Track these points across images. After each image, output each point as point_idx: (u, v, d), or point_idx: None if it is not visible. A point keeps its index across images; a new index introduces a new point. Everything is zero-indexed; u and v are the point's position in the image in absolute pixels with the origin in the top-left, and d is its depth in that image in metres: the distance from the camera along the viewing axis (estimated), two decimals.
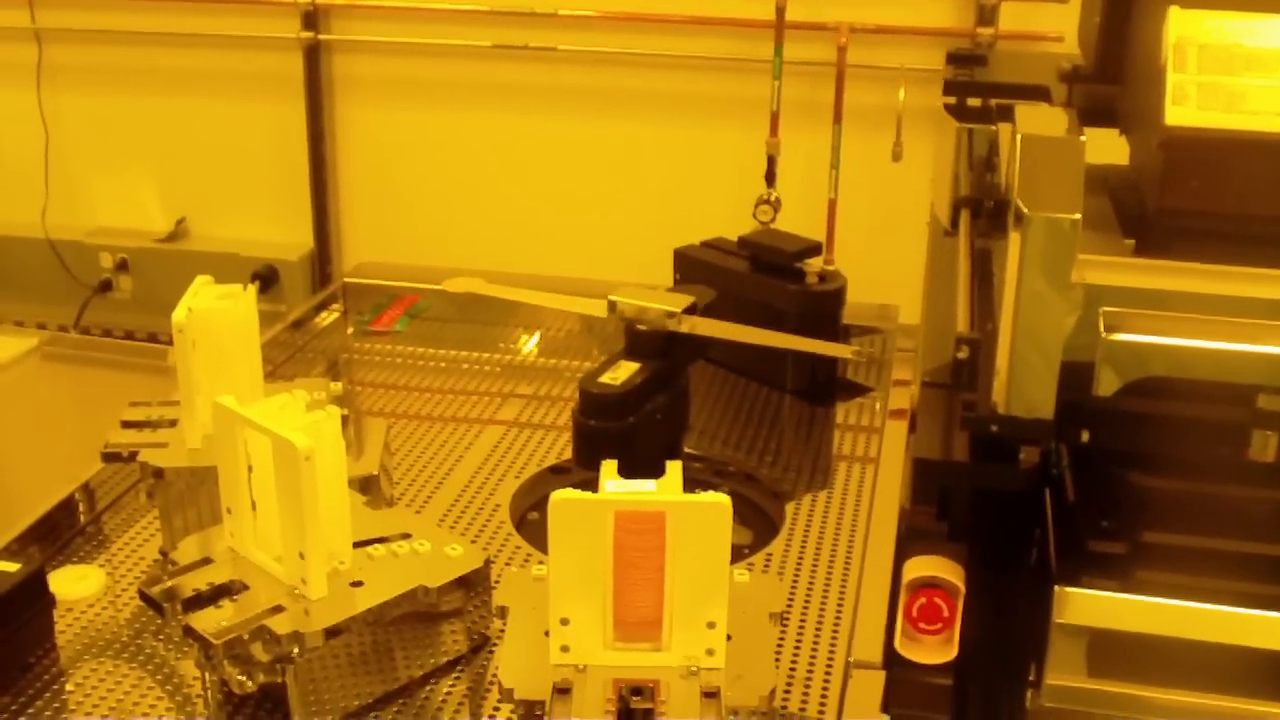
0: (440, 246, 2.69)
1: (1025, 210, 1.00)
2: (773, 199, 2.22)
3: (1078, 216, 1.00)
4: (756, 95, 2.34)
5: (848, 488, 1.56)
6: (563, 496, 1.05)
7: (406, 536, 1.27)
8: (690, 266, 1.91)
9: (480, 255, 2.62)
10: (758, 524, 1.54)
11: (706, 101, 2.50)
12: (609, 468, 1.10)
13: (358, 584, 1.20)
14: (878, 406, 1.76)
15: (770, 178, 2.26)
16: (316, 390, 1.48)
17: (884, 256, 2.17)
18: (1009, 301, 1.02)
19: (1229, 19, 1.08)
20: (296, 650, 1.14)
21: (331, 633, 1.15)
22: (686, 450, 1.56)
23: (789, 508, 1.52)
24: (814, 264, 1.86)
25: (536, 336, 2.08)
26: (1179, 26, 1.08)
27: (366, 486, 1.41)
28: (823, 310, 1.77)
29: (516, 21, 2.56)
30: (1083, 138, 1.04)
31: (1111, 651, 1.09)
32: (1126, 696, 1.09)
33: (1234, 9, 1.09)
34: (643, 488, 1.07)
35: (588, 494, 1.05)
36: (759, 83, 2.34)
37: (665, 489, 1.07)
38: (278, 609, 1.17)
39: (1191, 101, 1.06)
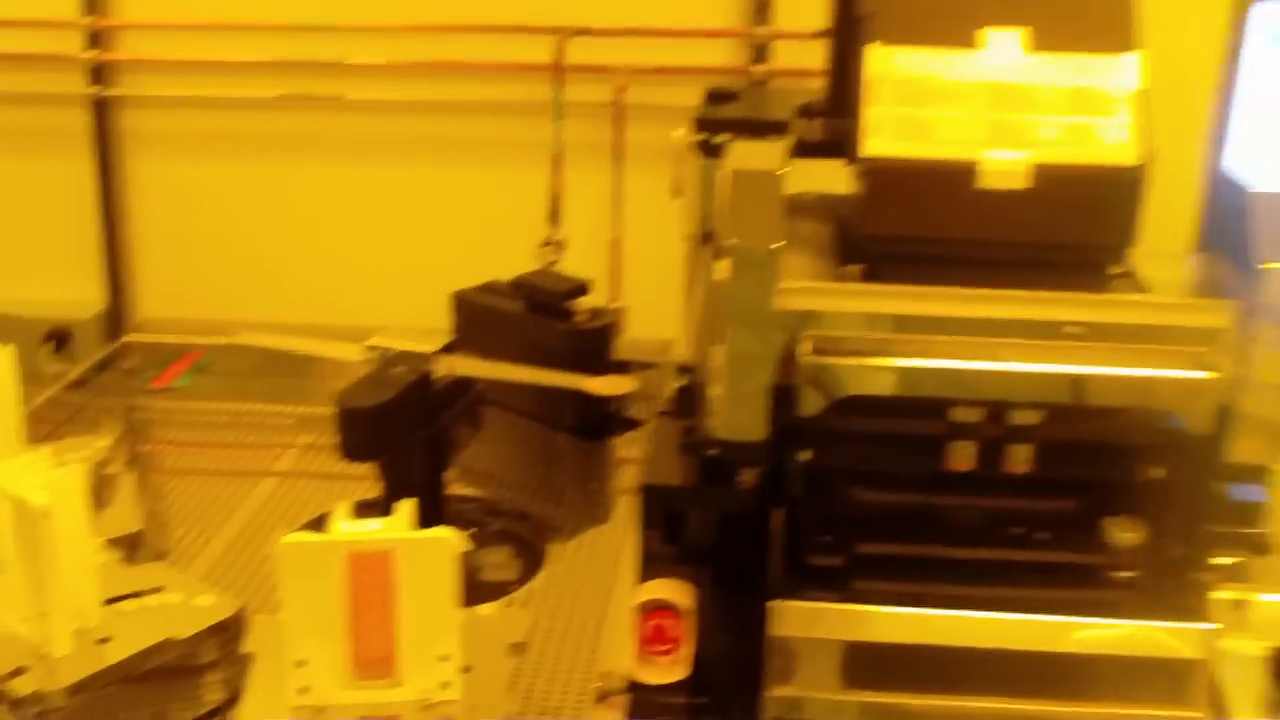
0: (236, 298, 2.67)
1: (728, 241, 1.04)
2: (557, 239, 2.25)
3: (777, 246, 1.04)
4: (539, 138, 2.38)
5: (616, 520, 1.59)
6: (292, 540, 1.06)
7: (159, 590, 1.27)
8: (468, 309, 1.94)
9: (276, 306, 2.61)
10: (527, 559, 1.56)
11: (492, 145, 2.53)
12: (343, 509, 1.11)
13: (105, 640, 1.20)
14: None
15: (554, 218, 2.30)
16: (83, 448, 1.47)
17: (668, 291, 2.21)
18: (720, 328, 1.06)
19: (920, 54, 1.13)
20: (40, 710, 1.14)
21: (75, 690, 1.15)
22: (462, 490, 1.59)
23: (559, 543, 1.55)
24: (588, 302, 1.89)
25: (325, 386, 2.08)
26: (875, 62, 1.14)
27: (134, 543, 1.41)
28: (592, 348, 1.80)
29: (303, 71, 2.57)
30: (783, 170, 1.09)
31: (865, 661, 1.12)
32: (865, 704, 1.13)
33: (930, 44, 1.14)
34: (371, 527, 1.09)
35: (317, 536, 1.07)
36: (542, 125, 2.38)
37: (393, 528, 1.09)
38: (18, 671, 1.16)
39: (887, 132, 1.11)
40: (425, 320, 2.23)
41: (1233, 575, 1.09)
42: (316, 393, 2.06)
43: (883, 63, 1.14)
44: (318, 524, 1.61)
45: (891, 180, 1.11)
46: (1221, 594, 1.09)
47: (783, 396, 1.07)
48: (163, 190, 2.69)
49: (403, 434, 1.38)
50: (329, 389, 2.09)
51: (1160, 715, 1.09)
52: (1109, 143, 1.08)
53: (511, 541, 1.57)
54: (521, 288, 1.91)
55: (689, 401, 1.17)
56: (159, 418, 1.97)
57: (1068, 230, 1.09)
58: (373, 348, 1.49)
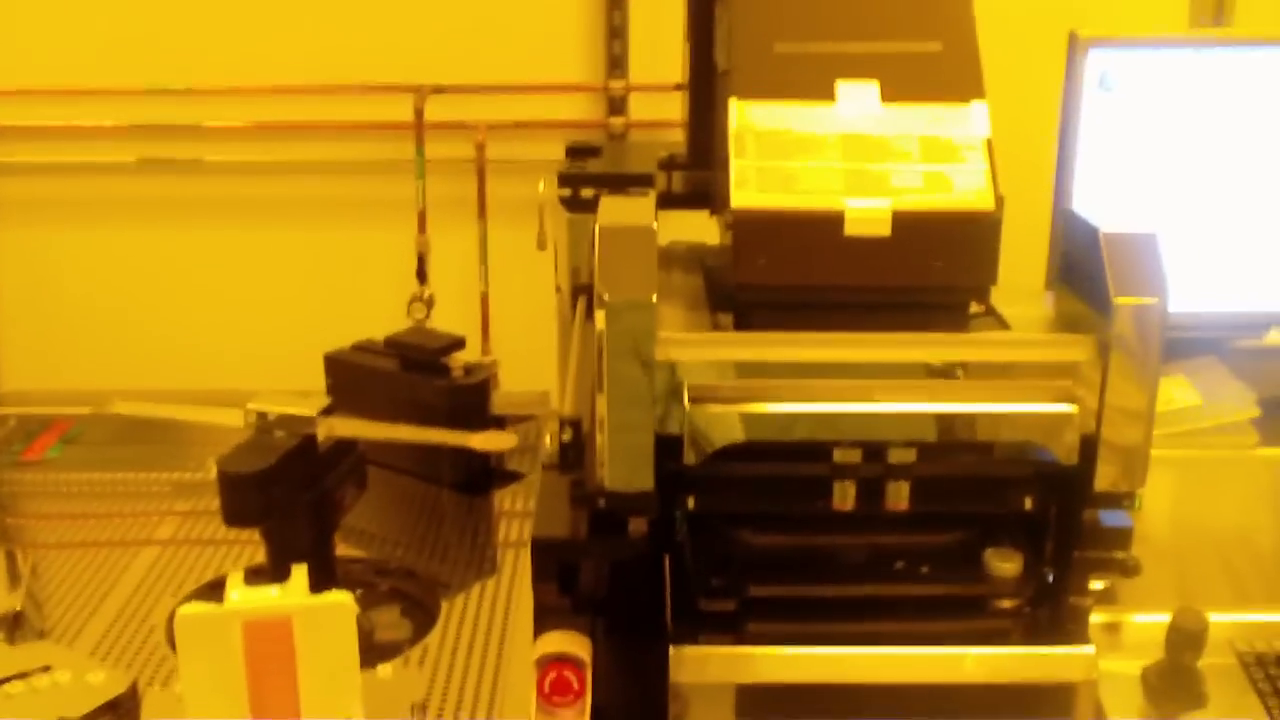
0: (104, 366, 2.64)
1: (604, 295, 1.07)
2: (426, 296, 2.26)
3: (652, 299, 1.07)
4: (403, 195, 2.39)
5: (502, 574, 1.61)
6: (189, 612, 1.06)
7: (48, 669, 1.26)
8: (341, 370, 1.94)
9: (146, 373, 2.58)
10: (417, 617, 1.57)
11: (356, 204, 2.54)
12: (234, 579, 1.12)
13: None
14: (531, 491, 1.82)
15: (422, 275, 2.31)
16: None
17: (538, 343, 2.24)
18: (601, 382, 1.08)
19: (780, 107, 1.18)
20: None
21: None
22: (348, 552, 1.59)
23: (449, 599, 1.56)
24: (465, 358, 1.91)
25: (210, 450, 2.07)
26: (738, 117, 1.18)
27: (14, 622, 1.39)
28: (469, 403, 1.82)
29: (162, 134, 2.55)
30: (655, 224, 1.12)
31: (763, 701, 1.15)
32: None
33: (789, 98, 1.19)
34: (267, 595, 1.09)
35: (213, 606, 1.07)
36: (404, 183, 2.39)
37: (289, 594, 1.10)
38: None
39: (752, 184, 1.15)
40: (298, 382, 2.23)
41: (1106, 597, 1.15)
42: (190, 459, 2.04)
43: (744, 117, 1.18)
44: (205, 592, 1.60)
45: (759, 231, 1.14)
46: (1096, 617, 1.14)
47: (666, 445, 1.10)
48: (23, 258, 2.64)
49: (288, 498, 1.38)
50: (203, 454, 2.08)
51: None
52: (965, 189, 1.13)
53: (401, 600, 1.58)
54: (395, 346, 1.93)
55: (574, 454, 1.20)
56: (29, 491, 1.94)
57: (931, 273, 1.13)
58: (253, 412, 1.48)
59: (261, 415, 1.48)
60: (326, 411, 1.49)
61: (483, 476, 1.86)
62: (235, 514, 1.37)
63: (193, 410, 1.65)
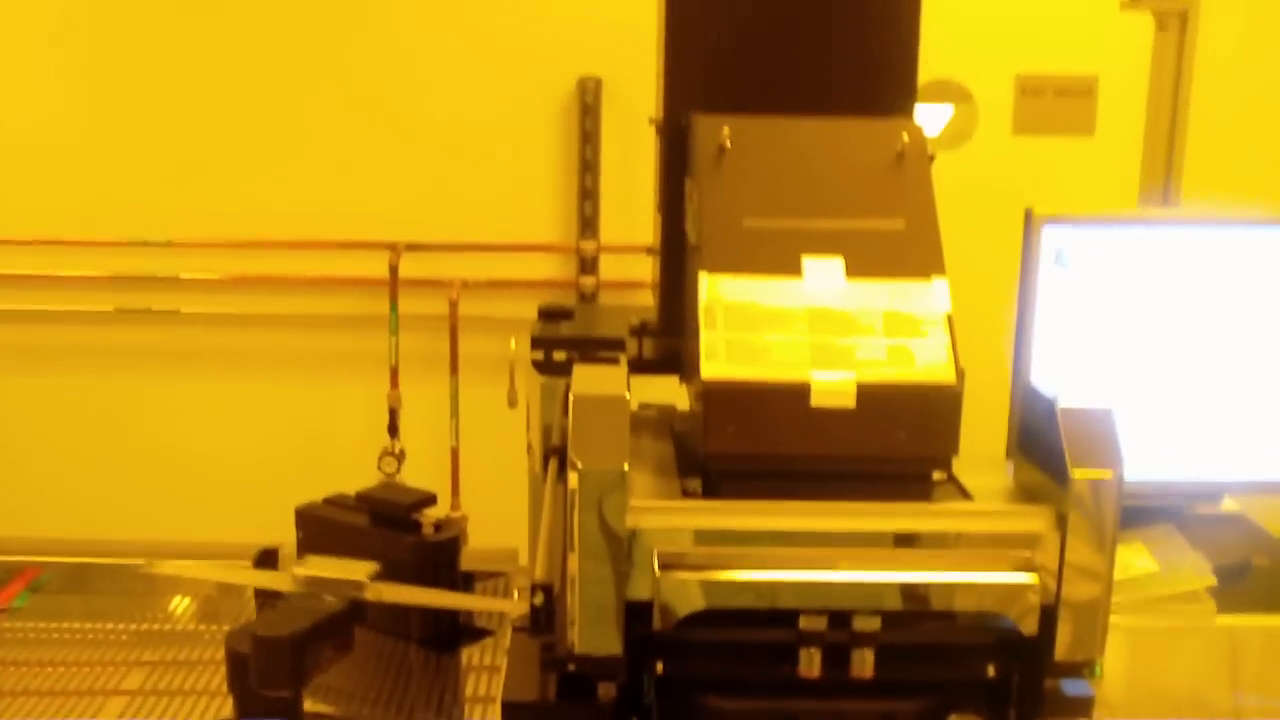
0: (71, 515, 2.65)
1: (577, 463, 1.10)
2: (396, 450, 2.29)
3: (624, 468, 1.10)
4: (376, 349, 2.43)
5: None
6: None
7: None
8: (312, 524, 1.95)
9: (112, 522, 2.59)
10: None
11: (329, 358, 2.57)
12: None
13: None
14: (498, 647, 1.83)
15: (393, 429, 2.34)
16: None
17: (508, 499, 2.26)
18: (573, 547, 1.11)
19: (748, 281, 1.22)
20: None
21: None
22: (315, 707, 1.59)
23: None
24: (436, 513, 1.93)
25: (178, 602, 2.07)
26: (708, 291, 1.22)
27: None
28: (439, 559, 1.83)
29: (139, 285, 2.59)
30: (628, 394, 1.15)
31: None
32: None
33: (757, 272, 1.23)
34: None
35: None
36: (378, 337, 2.43)
37: None
38: None
39: (721, 356, 1.19)
40: (268, 535, 2.24)
41: None
42: (157, 609, 2.04)
43: (714, 290, 1.22)
44: None
45: (729, 401, 1.18)
46: None
47: (635, 610, 1.12)
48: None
49: (319, 662, 1.39)
50: (169, 605, 2.08)
51: None
52: (927, 363, 1.17)
53: None
54: (366, 501, 1.94)
55: (545, 618, 1.21)
56: None
57: (894, 444, 1.17)
58: (303, 577, 1.49)
59: (312, 579, 1.49)
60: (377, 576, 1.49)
61: (451, 633, 1.87)
62: (269, 678, 1.37)
63: (240, 573, 1.65)
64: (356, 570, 1.50)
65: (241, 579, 1.62)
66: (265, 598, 2.05)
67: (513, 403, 2.00)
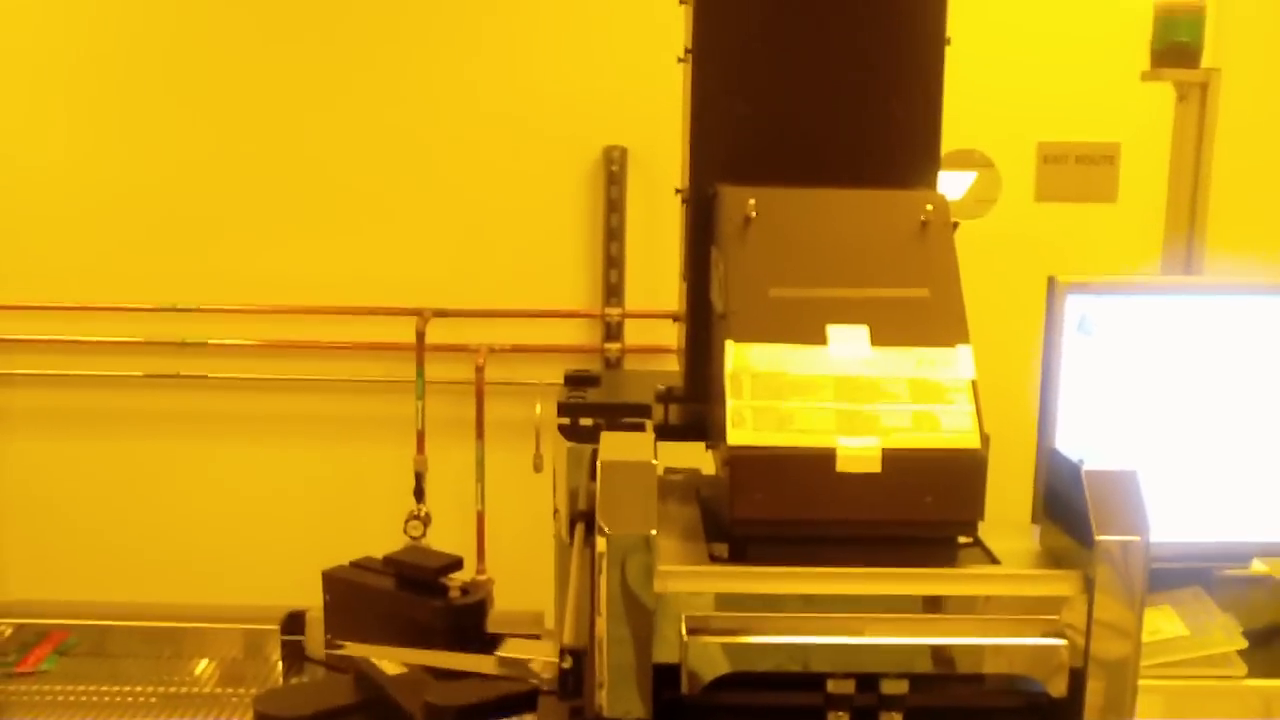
0: (99, 576, 2.66)
1: (605, 528, 1.11)
2: (423, 514, 2.30)
3: (652, 533, 1.11)
4: (402, 414, 2.45)
5: None
6: None
7: None
8: (339, 587, 1.96)
9: (144, 585, 2.60)
10: None
11: (356, 422, 2.59)
12: None
13: None
14: None
15: (419, 494, 2.35)
16: None
17: (533, 563, 2.26)
18: (601, 610, 1.12)
19: (774, 350, 1.23)
20: None
21: None
22: None
23: None
24: (461, 577, 1.93)
25: (203, 665, 2.08)
26: (735, 359, 1.23)
27: None
28: (465, 623, 1.84)
29: (168, 351, 2.61)
30: (655, 460, 1.16)
31: None
32: None
33: (783, 340, 1.24)
34: None
35: None
36: (404, 402, 2.45)
37: None
38: None
39: (749, 424, 1.20)
40: (295, 598, 2.25)
41: None
42: (183, 672, 2.05)
43: (741, 359, 1.23)
44: None
45: (755, 468, 1.18)
46: None
47: (663, 674, 1.13)
48: (28, 468, 2.68)
49: None
50: (192, 668, 2.09)
51: None
52: (952, 428, 1.18)
53: None
54: (393, 564, 1.95)
55: (574, 682, 1.22)
56: (23, 701, 1.94)
57: (920, 508, 1.17)
58: (504, 659, 1.51)
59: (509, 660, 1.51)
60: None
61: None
62: None
63: (450, 658, 1.64)
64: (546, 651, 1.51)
65: (453, 664, 1.60)
66: (291, 663, 2.06)
67: (538, 467, 2.02)
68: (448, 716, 1.36)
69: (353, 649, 1.51)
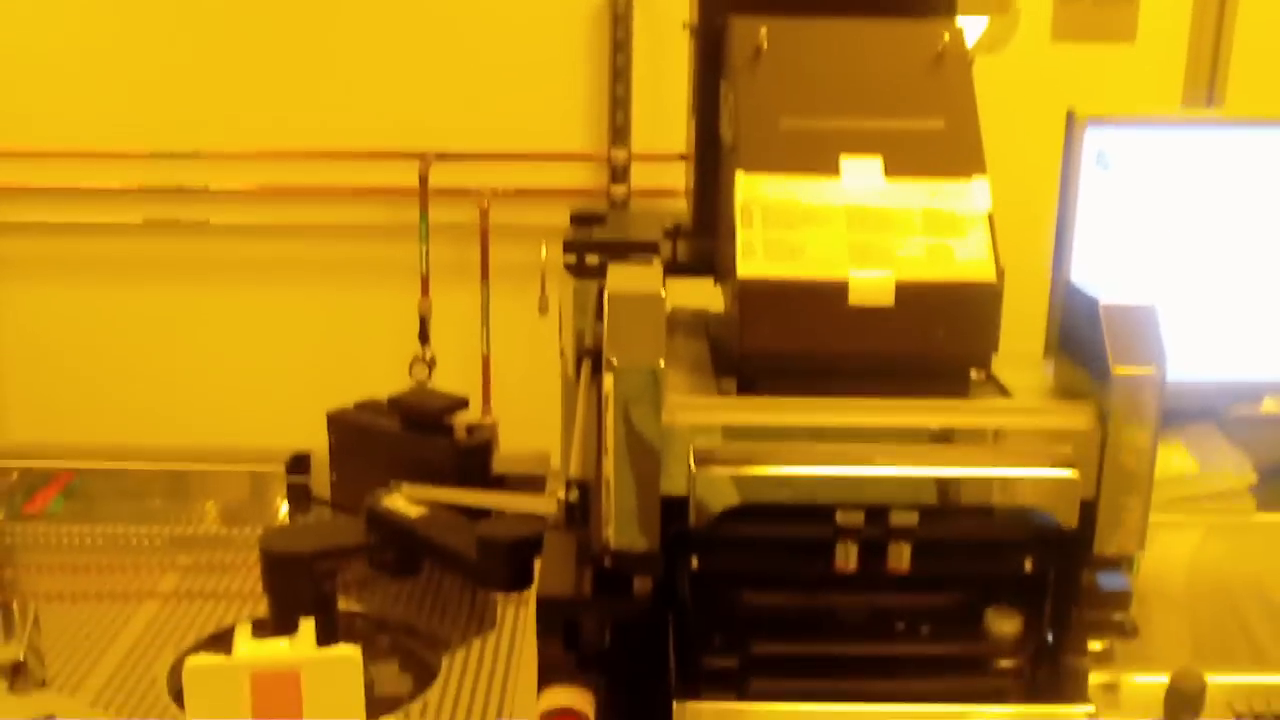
0: (103, 422, 2.65)
1: (613, 360, 1.09)
2: (427, 358, 2.29)
3: (660, 365, 1.09)
4: (407, 258, 2.42)
5: (502, 631, 1.62)
6: (196, 663, 1.08)
7: (51, 718, 1.27)
8: (343, 429, 1.97)
9: (144, 428, 2.60)
10: (417, 672, 1.58)
11: (359, 267, 2.57)
12: (242, 631, 1.13)
13: None
14: None
15: (424, 337, 2.34)
16: None
17: (539, 405, 2.26)
18: (607, 444, 1.11)
19: (786, 181, 1.21)
20: None
21: None
22: (348, 606, 1.60)
23: (449, 655, 1.57)
24: (467, 418, 1.93)
25: (208, 505, 2.09)
26: (745, 189, 1.21)
27: (16, 671, 1.40)
28: (471, 463, 1.84)
29: (168, 197, 2.58)
30: (663, 293, 1.14)
31: None
32: None
33: (794, 171, 1.22)
34: (276, 647, 1.11)
35: (221, 658, 1.09)
36: (408, 246, 2.42)
37: (297, 647, 1.11)
38: None
39: (759, 255, 1.18)
40: (300, 440, 2.25)
41: (1104, 659, 1.16)
42: (191, 513, 2.06)
43: (751, 190, 1.21)
44: (208, 646, 1.61)
45: (765, 299, 1.17)
46: (1095, 677, 1.16)
47: (671, 506, 1.12)
48: (30, 315, 2.67)
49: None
50: (202, 509, 2.10)
51: None
52: (967, 260, 1.16)
53: (401, 655, 1.59)
54: (398, 406, 1.95)
55: (580, 514, 1.21)
56: (31, 543, 1.95)
57: (933, 342, 1.16)
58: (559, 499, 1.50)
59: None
60: None
61: None
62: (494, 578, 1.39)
63: (503, 498, 1.63)
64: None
65: (505, 504, 1.59)
66: (297, 504, 2.07)
67: (544, 309, 2.00)
68: (499, 551, 1.36)
69: (413, 490, 1.51)
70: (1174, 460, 1.64)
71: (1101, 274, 1.65)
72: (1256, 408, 1.79)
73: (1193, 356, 1.68)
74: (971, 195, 1.20)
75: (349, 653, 1.09)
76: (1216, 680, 1.35)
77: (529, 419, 2.05)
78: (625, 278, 1.17)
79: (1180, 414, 1.68)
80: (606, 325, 1.11)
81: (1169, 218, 1.69)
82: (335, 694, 1.09)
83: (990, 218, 1.19)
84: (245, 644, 1.12)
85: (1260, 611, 1.56)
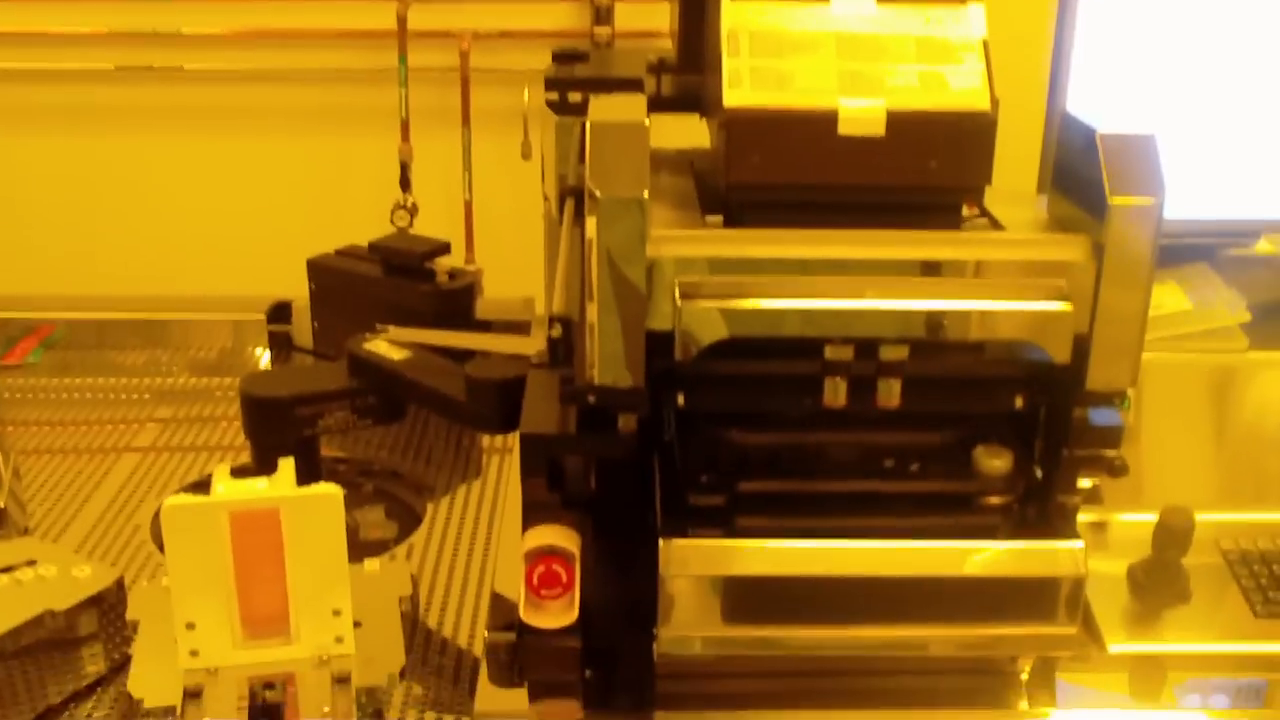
0: (77, 273, 2.61)
1: (595, 192, 1.06)
2: (409, 204, 2.25)
3: (644, 195, 1.06)
4: (386, 103, 2.37)
5: (486, 476, 1.61)
6: (175, 502, 1.06)
7: (33, 564, 1.26)
8: (324, 274, 1.94)
9: (118, 279, 2.56)
10: (402, 517, 1.57)
11: (338, 113, 2.51)
12: (220, 472, 1.11)
13: None
14: None
15: (405, 183, 2.29)
16: None
17: (522, 250, 2.22)
18: (591, 279, 1.08)
19: (774, 7, 1.17)
20: None
21: None
22: (331, 452, 1.59)
23: (434, 501, 1.56)
24: (449, 263, 1.90)
25: (189, 355, 2.07)
26: (731, 17, 1.17)
27: None
28: (454, 307, 1.82)
29: (139, 42, 2.51)
30: (647, 121, 1.11)
31: (749, 597, 1.15)
32: (752, 638, 1.16)
33: None
34: (255, 486, 1.09)
35: (200, 497, 1.07)
36: (388, 91, 2.37)
37: (277, 485, 1.10)
38: None
39: (745, 84, 1.14)
40: (280, 287, 2.22)
41: (1093, 497, 1.15)
42: (172, 364, 2.04)
43: (738, 16, 1.17)
44: (193, 490, 1.60)
45: (753, 130, 1.14)
46: (1083, 515, 1.15)
47: (657, 342, 1.10)
48: (0, 165, 2.61)
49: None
50: (183, 361, 2.07)
51: (1035, 633, 1.15)
52: (961, 89, 1.13)
53: (386, 501, 1.58)
54: (379, 251, 1.92)
55: (563, 351, 1.19)
56: (9, 396, 1.93)
57: (925, 173, 1.13)
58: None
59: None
60: None
61: None
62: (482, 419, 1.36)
63: (488, 339, 1.59)
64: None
65: (490, 345, 1.55)
66: (279, 352, 2.05)
67: (527, 154, 1.96)
68: (489, 391, 1.33)
69: (396, 333, 1.48)
70: (1167, 299, 1.62)
71: (1097, 107, 1.61)
72: (1251, 248, 1.76)
73: (1188, 194, 1.65)
74: (967, 21, 1.16)
75: (329, 490, 1.08)
76: (1205, 518, 1.35)
77: (512, 266, 2.02)
78: (609, 108, 1.14)
79: (1174, 254, 1.65)
80: (589, 156, 1.08)
81: (1167, 48, 1.65)
82: (316, 532, 1.08)
83: (985, 44, 1.15)
84: (224, 483, 1.10)
85: (1250, 450, 1.55)
